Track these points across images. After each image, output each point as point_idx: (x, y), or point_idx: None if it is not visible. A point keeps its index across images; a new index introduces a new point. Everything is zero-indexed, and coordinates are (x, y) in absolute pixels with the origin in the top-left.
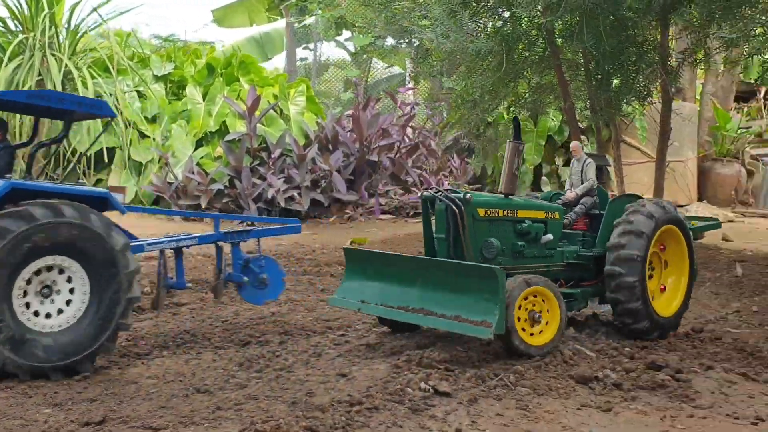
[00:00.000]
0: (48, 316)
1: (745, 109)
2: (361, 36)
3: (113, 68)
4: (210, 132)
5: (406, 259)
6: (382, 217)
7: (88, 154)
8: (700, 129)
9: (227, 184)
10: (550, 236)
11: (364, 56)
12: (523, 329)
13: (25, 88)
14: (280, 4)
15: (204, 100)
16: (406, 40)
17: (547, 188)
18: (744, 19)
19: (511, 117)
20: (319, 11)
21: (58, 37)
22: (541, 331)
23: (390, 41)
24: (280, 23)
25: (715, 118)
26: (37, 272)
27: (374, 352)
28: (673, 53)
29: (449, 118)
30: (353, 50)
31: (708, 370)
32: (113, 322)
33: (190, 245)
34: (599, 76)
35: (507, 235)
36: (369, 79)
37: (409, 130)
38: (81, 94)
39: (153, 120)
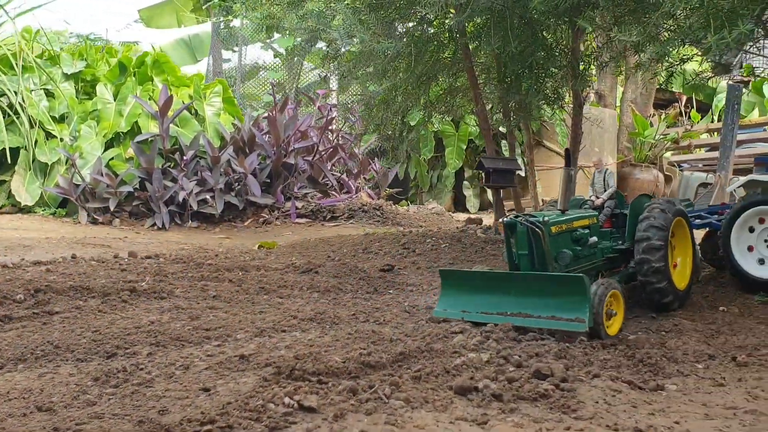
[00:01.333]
0: None
1: (663, 116)
2: (284, 38)
3: (18, 65)
4: (121, 133)
5: (501, 274)
6: (299, 220)
7: None
8: (620, 135)
9: (137, 186)
10: (595, 238)
11: (296, 59)
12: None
13: None
14: (205, 4)
15: (115, 100)
16: (321, 42)
17: (468, 192)
18: (648, 24)
19: (427, 119)
20: (244, 13)
21: None
22: (612, 324)
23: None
24: (208, 25)
25: (634, 124)
26: None
27: (247, 364)
28: (584, 57)
29: (365, 120)
30: (279, 53)
31: (594, 378)
32: None
33: None
34: (509, 79)
35: (567, 244)
36: (301, 83)
37: (332, 134)
38: None
39: (61, 119)
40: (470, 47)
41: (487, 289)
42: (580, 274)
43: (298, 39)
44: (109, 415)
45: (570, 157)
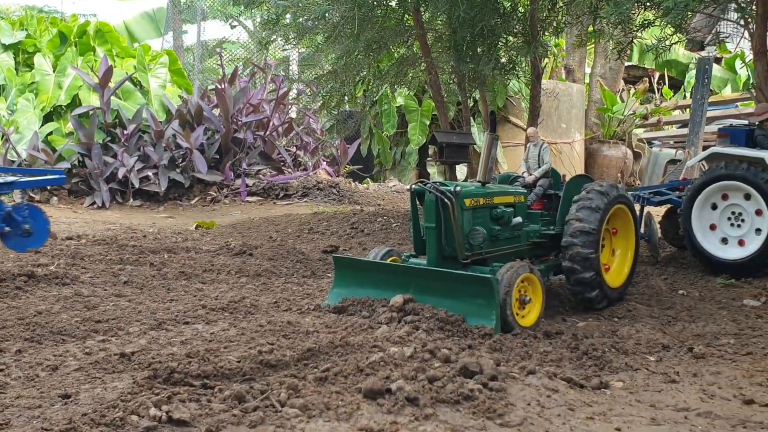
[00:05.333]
0: None
1: (632, 91)
2: (236, 8)
3: None
4: (61, 106)
5: (401, 267)
6: (249, 199)
7: None
8: (589, 111)
9: (77, 162)
10: (519, 219)
11: (263, 33)
12: (516, 314)
13: None
14: None
15: (54, 71)
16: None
17: (432, 169)
18: None
19: (374, 92)
20: None
21: None
22: (528, 312)
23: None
24: None
25: (603, 100)
26: None
27: (127, 364)
28: (540, 23)
29: (320, 93)
30: (237, 24)
31: (529, 375)
32: None
33: None
34: (461, 47)
35: (485, 222)
36: (266, 57)
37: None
38: None
39: None
40: (421, 13)
41: (384, 283)
42: (488, 275)
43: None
44: None
45: (495, 122)
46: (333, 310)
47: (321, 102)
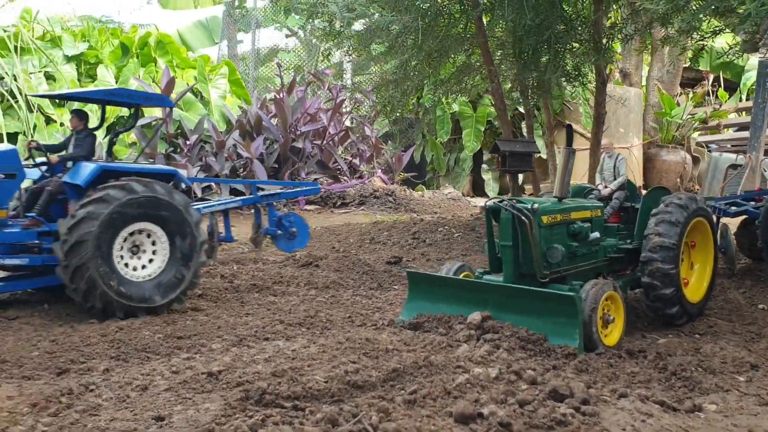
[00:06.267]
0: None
1: (690, 95)
2: (296, 17)
3: (16, 48)
4: (124, 117)
5: (479, 284)
6: (308, 207)
7: None
8: (646, 115)
9: None
10: (596, 234)
11: (313, 41)
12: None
13: None
14: None
15: (117, 82)
16: (320, 19)
17: (487, 175)
18: None
19: (438, 100)
20: None
21: None
22: (610, 332)
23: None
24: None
25: (661, 103)
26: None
27: (215, 383)
28: (606, 31)
29: (376, 102)
30: (293, 33)
31: (621, 398)
32: (193, 264)
33: (235, 207)
34: (526, 55)
35: (562, 238)
36: (318, 65)
37: (343, 117)
38: None
39: (61, 104)
40: (484, 21)
41: (461, 299)
42: (571, 293)
43: (316, 21)
44: None
45: (571, 135)
46: (408, 326)
47: (378, 110)
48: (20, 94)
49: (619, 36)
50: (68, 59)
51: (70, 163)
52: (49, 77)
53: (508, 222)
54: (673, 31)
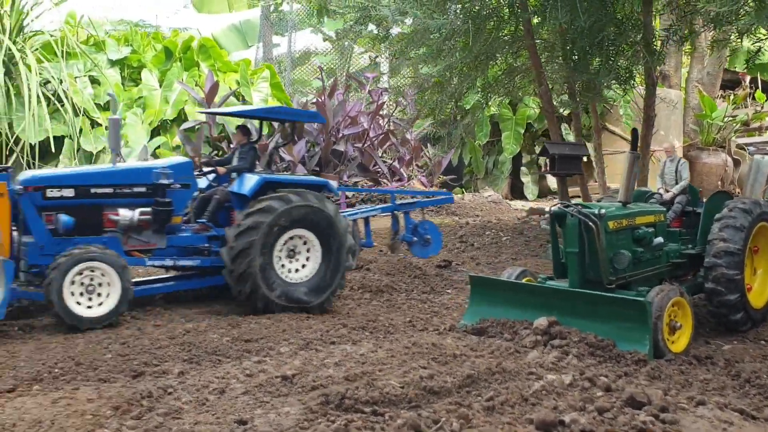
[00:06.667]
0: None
1: (732, 97)
2: (333, 21)
3: (62, 52)
4: (168, 120)
5: (546, 289)
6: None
7: (33, 144)
8: (686, 117)
9: None
10: (660, 239)
11: (346, 43)
12: (666, 339)
13: None
14: None
15: (161, 86)
16: (371, 23)
17: (526, 178)
18: None
19: (485, 102)
20: None
21: (1, 18)
22: (678, 338)
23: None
24: (259, 10)
25: (701, 105)
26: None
27: (291, 387)
28: (657, 32)
29: (418, 105)
30: (328, 37)
31: (699, 406)
32: (341, 267)
33: (376, 214)
34: (576, 57)
35: (627, 244)
36: (351, 67)
37: (382, 120)
38: (25, 78)
39: (107, 107)
40: (532, 23)
41: (525, 304)
42: (641, 299)
43: (350, 22)
44: None
45: (636, 140)
46: (472, 330)
47: (420, 113)
48: (66, 98)
49: (674, 38)
50: (112, 63)
51: (234, 174)
52: (94, 81)
53: (575, 227)
54: (722, 33)
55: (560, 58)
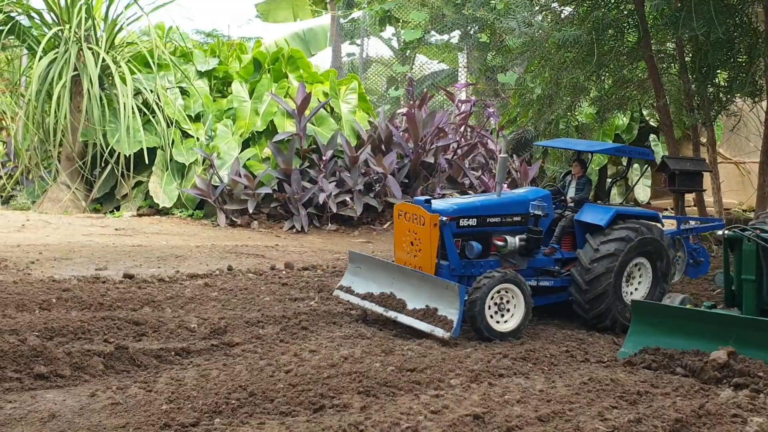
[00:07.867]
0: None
1: None
2: (411, 30)
3: (154, 63)
4: (257, 132)
5: (721, 316)
6: None
7: (127, 155)
8: None
9: (275, 187)
10: None
11: (408, 52)
12: None
13: (60, 82)
14: None
15: (251, 98)
16: (467, 33)
17: (613, 190)
18: None
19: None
20: (366, 5)
21: (95, 29)
22: None
23: (439, 37)
24: (324, 19)
25: None
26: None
27: (484, 427)
28: None
29: (509, 114)
30: (398, 46)
31: None
32: (665, 291)
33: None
34: (704, 69)
35: None
36: (414, 76)
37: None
38: (119, 89)
39: (196, 119)
40: (650, 33)
41: (691, 333)
42: None
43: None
44: None
45: None
46: (639, 362)
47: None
48: (158, 109)
49: None
50: (200, 74)
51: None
52: (183, 93)
53: (752, 254)
54: None
55: (679, 69)
